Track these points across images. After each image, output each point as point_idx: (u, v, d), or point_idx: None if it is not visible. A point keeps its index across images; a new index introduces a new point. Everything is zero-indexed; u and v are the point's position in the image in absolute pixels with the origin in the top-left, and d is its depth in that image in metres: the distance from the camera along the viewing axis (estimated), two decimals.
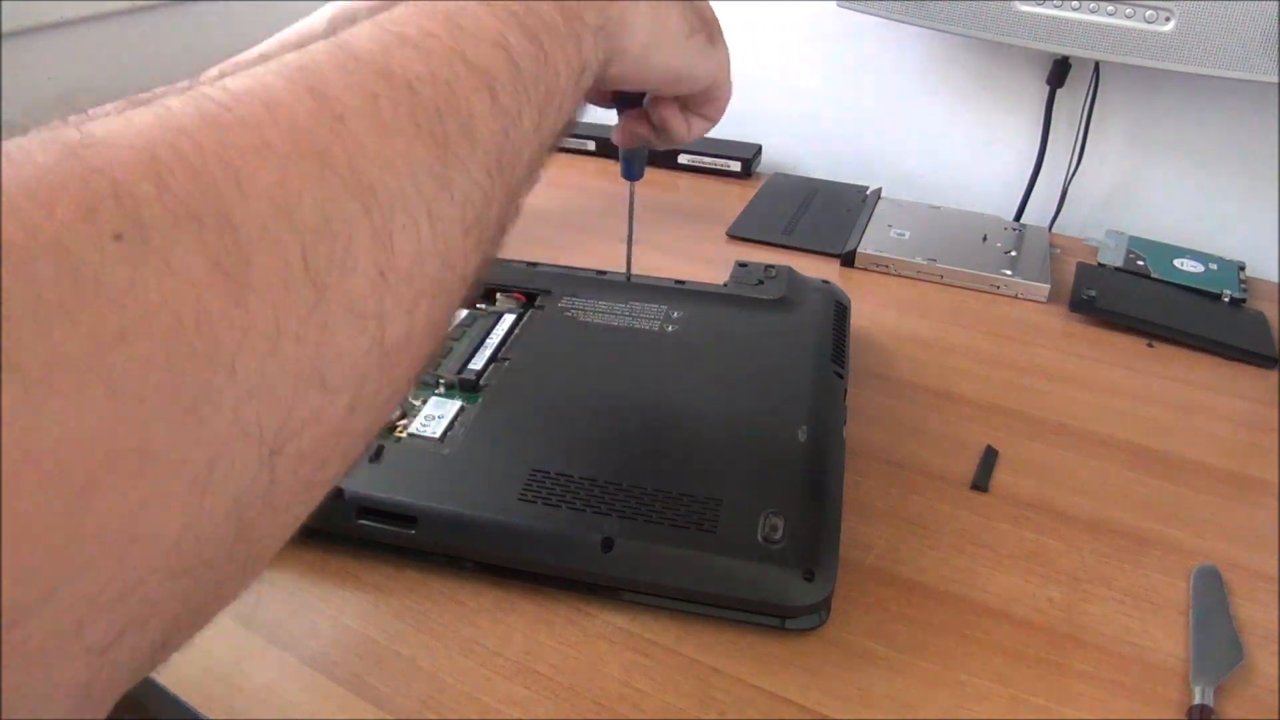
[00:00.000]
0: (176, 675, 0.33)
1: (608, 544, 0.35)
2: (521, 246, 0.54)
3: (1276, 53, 0.53)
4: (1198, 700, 0.33)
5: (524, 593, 0.37)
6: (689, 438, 0.40)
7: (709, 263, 0.55)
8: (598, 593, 0.36)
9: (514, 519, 0.36)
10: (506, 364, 0.44)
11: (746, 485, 0.37)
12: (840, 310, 0.50)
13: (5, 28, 0.66)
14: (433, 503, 0.36)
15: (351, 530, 0.37)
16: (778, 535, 0.35)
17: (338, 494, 0.37)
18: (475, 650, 0.34)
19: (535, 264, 0.53)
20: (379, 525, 0.37)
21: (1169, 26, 0.56)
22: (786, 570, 0.34)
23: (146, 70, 0.78)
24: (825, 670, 0.34)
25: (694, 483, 0.37)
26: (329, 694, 0.32)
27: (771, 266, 0.52)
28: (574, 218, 0.72)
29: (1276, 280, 0.65)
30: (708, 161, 0.80)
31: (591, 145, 0.83)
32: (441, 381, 0.43)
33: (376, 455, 0.38)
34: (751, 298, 0.49)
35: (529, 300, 0.50)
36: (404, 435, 0.40)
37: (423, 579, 0.37)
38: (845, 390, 0.45)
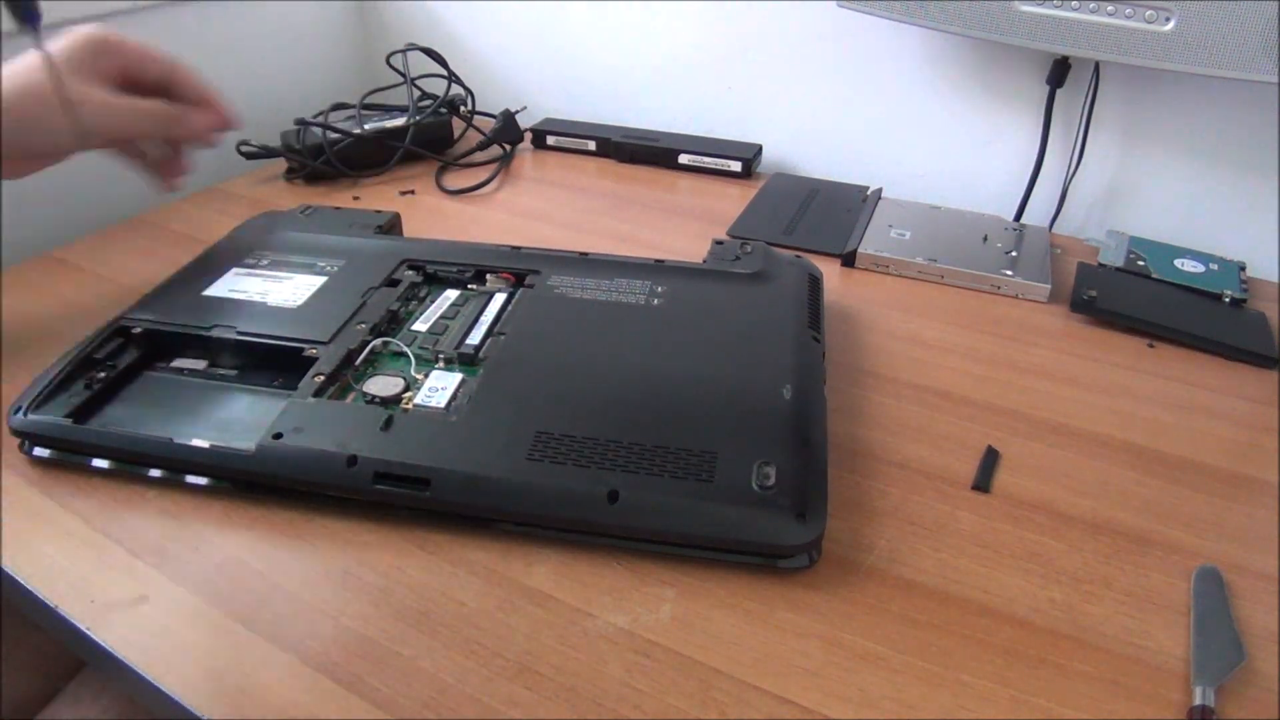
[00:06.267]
0: (176, 675, 0.33)
1: (613, 496, 0.37)
2: (520, 244, 0.54)
3: (1276, 53, 0.53)
4: (1198, 701, 0.33)
5: (524, 594, 0.37)
6: (682, 399, 0.42)
7: None
8: (605, 542, 0.38)
9: (524, 476, 0.38)
10: (503, 338, 0.46)
11: (739, 439, 0.39)
12: (814, 282, 0.53)
13: (5, 28, 0.66)
14: (445, 465, 0.38)
15: (367, 494, 0.39)
16: (770, 482, 0.37)
17: (352, 460, 0.38)
18: (476, 651, 0.34)
19: (519, 247, 0.55)
20: (394, 489, 0.38)
21: (1169, 26, 0.56)
22: (780, 513, 0.37)
23: None
24: (825, 670, 0.34)
25: (690, 438, 0.39)
26: (329, 694, 0.32)
27: (747, 243, 0.56)
28: (573, 218, 0.72)
29: (1277, 280, 0.65)
30: (708, 161, 0.80)
31: (592, 145, 0.84)
32: (441, 356, 0.46)
33: (386, 425, 0.40)
34: (730, 272, 0.52)
35: (518, 280, 0.53)
36: (410, 406, 0.42)
37: (424, 580, 0.37)
38: (823, 353, 0.48)
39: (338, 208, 0.61)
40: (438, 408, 0.42)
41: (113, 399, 0.45)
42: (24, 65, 0.46)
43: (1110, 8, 0.58)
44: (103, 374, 0.45)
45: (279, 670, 0.33)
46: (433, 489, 0.38)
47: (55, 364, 0.45)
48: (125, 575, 0.37)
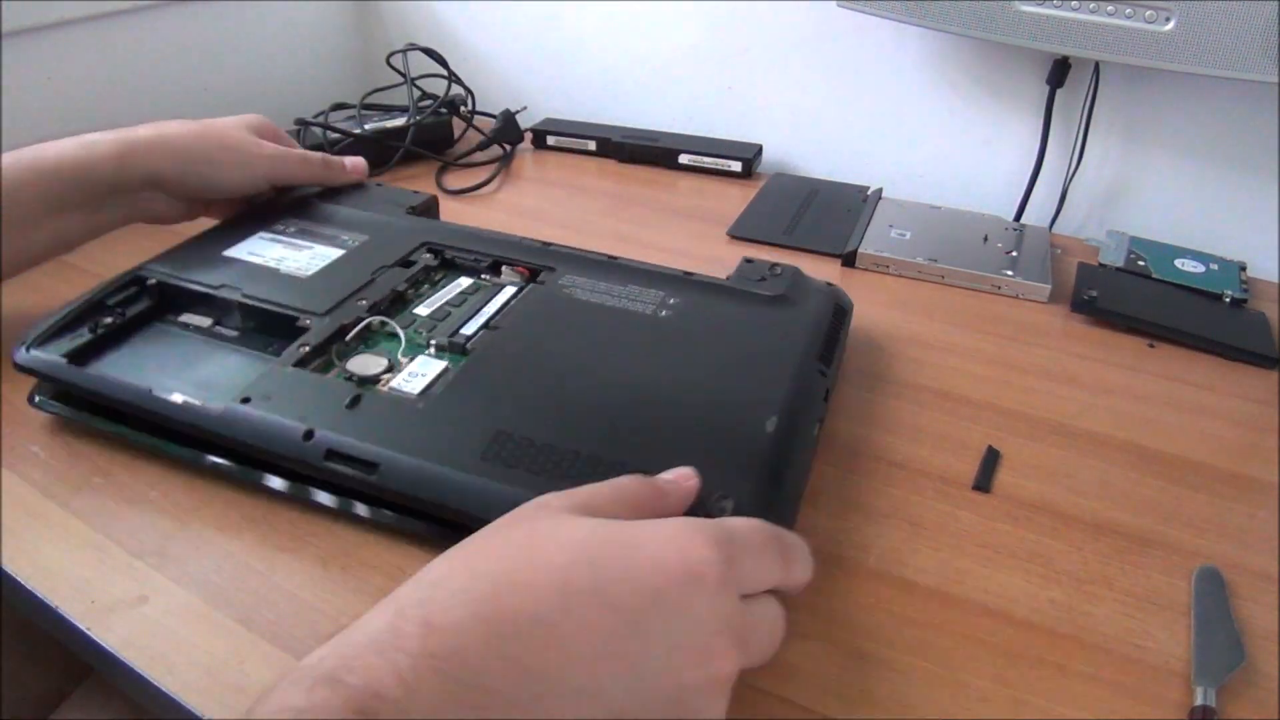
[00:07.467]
0: (176, 675, 0.33)
1: None
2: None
3: (1276, 53, 0.53)
4: (1199, 701, 0.33)
5: None
6: (657, 417, 0.40)
7: (710, 263, 0.54)
8: None
9: (471, 476, 0.36)
10: (497, 332, 0.46)
11: (702, 467, 0.36)
12: (839, 312, 0.50)
13: (5, 28, 0.66)
14: (397, 452, 0.37)
15: (317, 470, 0.38)
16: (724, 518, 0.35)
17: (309, 434, 0.38)
18: None
19: (549, 244, 0.54)
20: (343, 468, 0.38)
21: (1169, 26, 0.56)
22: None
23: (146, 70, 0.77)
24: (825, 670, 0.34)
25: (651, 460, 0.36)
26: None
27: (778, 265, 0.52)
28: (573, 218, 0.72)
29: (1277, 280, 0.65)
30: (708, 161, 0.80)
31: (592, 145, 0.84)
32: (433, 344, 0.45)
33: (354, 403, 0.40)
34: (750, 292, 0.49)
35: (532, 275, 0.52)
36: (385, 389, 0.41)
37: None
38: (828, 390, 0.45)
39: (379, 183, 0.63)
40: (409, 394, 0.41)
41: (118, 346, 0.46)
42: (222, 123, 0.57)
43: (1110, 8, 0.58)
44: (109, 319, 0.46)
45: (279, 670, 0.33)
46: (380, 474, 0.37)
47: (66, 306, 0.46)
48: (125, 575, 0.37)
